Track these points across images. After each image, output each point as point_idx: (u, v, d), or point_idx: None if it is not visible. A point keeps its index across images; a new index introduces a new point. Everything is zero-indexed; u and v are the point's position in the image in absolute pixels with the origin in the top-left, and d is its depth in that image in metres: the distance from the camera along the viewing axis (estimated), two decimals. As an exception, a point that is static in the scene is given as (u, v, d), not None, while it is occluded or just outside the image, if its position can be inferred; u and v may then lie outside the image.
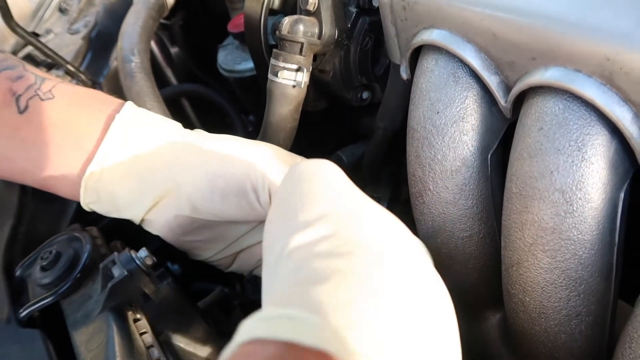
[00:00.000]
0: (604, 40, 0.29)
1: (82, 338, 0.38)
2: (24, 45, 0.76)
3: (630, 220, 0.34)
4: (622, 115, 0.29)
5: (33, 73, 0.46)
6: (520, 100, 0.35)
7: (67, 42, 0.71)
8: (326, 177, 0.32)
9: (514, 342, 0.40)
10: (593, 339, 0.34)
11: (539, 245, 0.32)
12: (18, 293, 0.43)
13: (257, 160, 0.42)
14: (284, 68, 0.45)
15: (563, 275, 0.32)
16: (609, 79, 0.29)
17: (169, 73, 0.82)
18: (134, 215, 0.44)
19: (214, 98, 0.78)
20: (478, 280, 0.42)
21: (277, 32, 0.46)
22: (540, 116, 0.33)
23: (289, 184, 0.32)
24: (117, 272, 0.39)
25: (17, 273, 0.44)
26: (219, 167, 0.42)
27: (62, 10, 0.78)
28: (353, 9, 0.48)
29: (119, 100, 0.47)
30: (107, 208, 0.44)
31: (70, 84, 0.47)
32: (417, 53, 0.42)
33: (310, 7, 0.46)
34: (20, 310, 0.40)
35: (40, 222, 0.52)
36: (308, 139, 0.56)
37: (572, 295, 0.33)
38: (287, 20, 0.45)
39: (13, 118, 0.43)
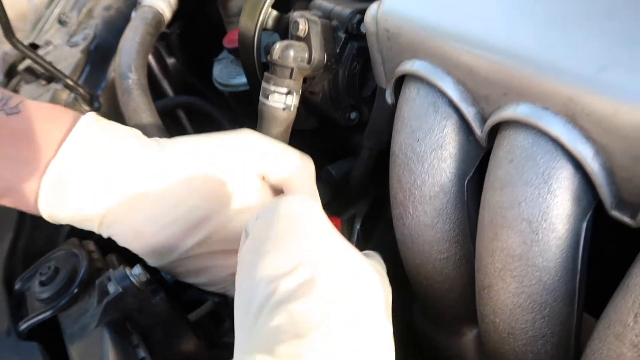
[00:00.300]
0: (568, 83, 0.31)
1: (79, 351, 0.40)
2: (23, 58, 0.78)
3: (595, 241, 0.36)
4: (584, 152, 0.31)
5: (1, 91, 0.46)
6: (494, 130, 0.37)
7: (66, 55, 0.73)
8: (304, 220, 0.33)
9: (487, 357, 0.42)
10: (558, 357, 0.37)
11: (508, 270, 0.35)
12: (17, 306, 0.45)
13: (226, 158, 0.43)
14: (275, 91, 0.47)
15: (529, 299, 0.34)
16: (573, 118, 0.31)
17: (165, 85, 0.84)
18: (91, 222, 0.44)
19: (209, 110, 0.80)
20: (455, 299, 0.44)
21: (268, 56, 0.48)
22: (511, 149, 0.35)
23: (265, 223, 0.34)
24: (112, 288, 0.41)
25: (17, 287, 0.46)
26: (175, 173, 0.43)
27: (61, 22, 0.79)
28: (342, 35, 0.50)
29: (82, 114, 0.47)
30: (66, 215, 0.43)
31: (36, 101, 0.47)
32: (401, 80, 0.44)
33: (301, 33, 0.48)
34: (20, 324, 0.42)
35: (38, 235, 0.54)
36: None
37: (538, 318, 0.35)
38: (278, 46, 0.47)
39: None
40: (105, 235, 0.44)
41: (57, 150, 0.43)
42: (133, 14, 0.74)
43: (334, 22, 0.50)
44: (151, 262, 0.45)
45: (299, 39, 0.48)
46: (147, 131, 0.56)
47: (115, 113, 0.73)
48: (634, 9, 0.31)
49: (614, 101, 0.29)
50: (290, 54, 0.47)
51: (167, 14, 0.72)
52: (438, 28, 0.39)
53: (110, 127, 0.46)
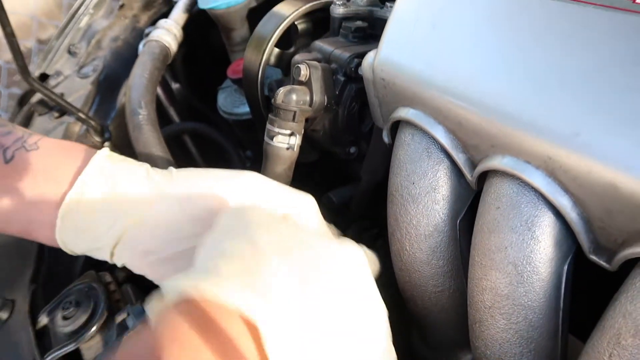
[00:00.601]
0: (548, 142, 0.34)
1: (100, 382, 0.43)
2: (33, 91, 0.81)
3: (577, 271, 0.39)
4: (563, 203, 0.35)
5: (21, 130, 0.50)
6: (483, 175, 0.40)
7: (77, 86, 0.76)
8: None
9: (481, 383, 0.45)
10: (544, 387, 0.40)
11: (497, 308, 0.38)
12: (41, 336, 0.49)
13: (231, 194, 0.46)
14: (279, 133, 0.50)
15: (516, 335, 0.38)
16: (552, 173, 0.34)
17: (171, 111, 0.87)
18: (104, 251, 0.46)
19: (214, 136, 0.83)
20: (451, 327, 0.47)
21: (273, 100, 0.51)
22: (497, 196, 0.38)
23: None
24: (130, 323, 0.44)
25: (40, 319, 0.49)
26: (180, 203, 0.45)
27: (71, 53, 0.83)
28: (341, 77, 0.53)
29: (96, 148, 0.50)
30: (80, 245, 0.46)
31: (53, 139, 0.50)
32: (397, 123, 0.47)
33: (303, 78, 0.51)
34: (46, 355, 0.45)
35: (58, 264, 0.58)
36: (302, 184, 0.62)
37: (525, 352, 0.38)
38: (281, 91, 0.50)
39: (0, 167, 0.46)
40: (118, 264, 0.46)
41: (71, 184, 0.46)
42: (141, 47, 0.77)
43: (333, 65, 0.53)
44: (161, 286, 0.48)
45: (300, 83, 0.51)
46: (157, 164, 0.59)
47: (124, 140, 0.76)
48: (610, 73, 0.34)
49: (587, 161, 0.32)
50: (293, 98, 0.50)
51: (174, 47, 0.75)
52: (430, 80, 0.42)
53: (121, 163, 0.48)
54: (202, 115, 0.93)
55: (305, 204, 0.48)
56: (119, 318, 0.45)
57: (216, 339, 0.30)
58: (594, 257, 0.35)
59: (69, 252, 0.48)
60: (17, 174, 0.46)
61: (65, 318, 0.47)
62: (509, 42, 0.39)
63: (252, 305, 0.30)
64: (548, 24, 0.37)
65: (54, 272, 0.56)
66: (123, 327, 0.44)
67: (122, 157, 0.49)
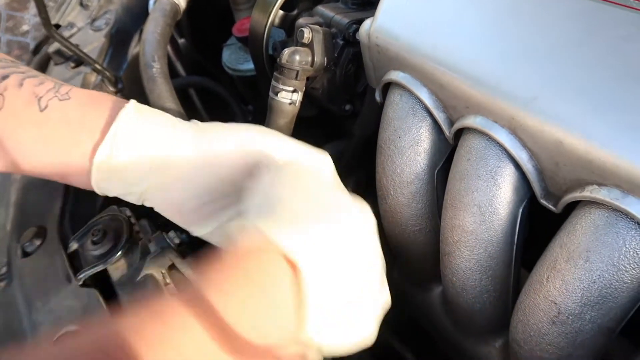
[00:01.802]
0: (512, 104, 0.41)
1: (127, 295, 0.51)
2: (48, 39, 0.86)
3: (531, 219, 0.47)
4: (522, 156, 0.42)
5: (52, 80, 0.52)
6: (459, 132, 0.48)
7: (90, 39, 0.81)
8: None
9: (448, 308, 0.54)
10: (498, 308, 0.48)
11: (463, 242, 0.46)
12: (73, 259, 0.56)
13: (253, 144, 0.49)
14: (283, 89, 0.57)
15: (477, 264, 0.46)
16: (514, 131, 0.42)
17: (178, 65, 0.92)
18: (135, 197, 0.50)
19: (218, 90, 0.88)
20: (425, 262, 0.55)
21: (277, 60, 0.57)
22: (469, 149, 0.45)
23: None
24: (152, 248, 0.52)
25: (71, 244, 0.56)
26: (210, 159, 0.48)
27: (83, 6, 0.87)
28: (340, 41, 0.59)
29: (126, 100, 0.52)
30: (113, 191, 0.49)
31: (82, 89, 0.52)
32: (387, 85, 0.54)
33: (305, 40, 0.57)
34: (78, 274, 0.53)
35: (80, 200, 0.64)
36: (302, 137, 0.69)
37: (484, 278, 0.46)
38: (286, 52, 0.56)
39: (35, 116, 0.48)
40: (148, 205, 0.51)
41: (103, 133, 0.48)
42: (151, 4, 0.82)
43: (333, 30, 0.59)
44: (191, 231, 0.52)
45: (303, 45, 0.57)
46: (169, 113, 0.66)
47: (134, 91, 0.82)
48: (565, 49, 0.40)
49: (541, 121, 0.39)
50: (296, 59, 0.56)
51: (183, 4, 0.80)
52: (418, 48, 0.48)
53: (150, 114, 0.51)
54: (205, 70, 0.99)
55: (325, 161, 0.52)
56: (143, 243, 0.52)
57: (263, 274, 0.38)
58: (544, 202, 0.43)
59: (103, 195, 0.51)
60: (51, 123, 0.49)
61: (94, 243, 0.54)
62: (487, 18, 0.46)
63: (298, 251, 0.37)
64: (521, 3, 0.44)
65: (78, 206, 0.63)
66: (146, 251, 0.52)
67: (150, 109, 0.52)
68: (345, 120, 0.71)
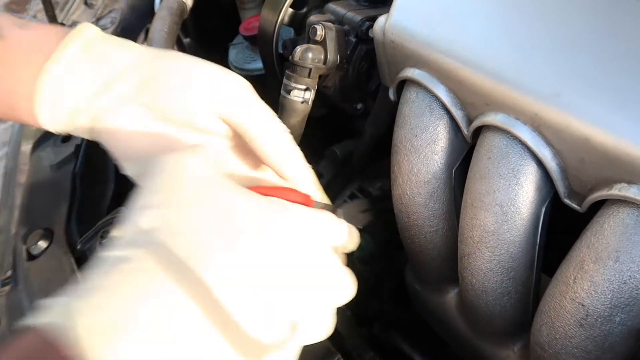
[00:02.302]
0: (535, 100, 0.40)
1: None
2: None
3: (552, 223, 0.46)
4: (545, 154, 0.41)
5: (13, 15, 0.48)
6: (477, 130, 0.46)
7: (96, 38, 0.80)
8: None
9: (465, 310, 0.53)
10: (519, 310, 0.47)
11: (483, 243, 0.44)
12: (80, 261, 0.55)
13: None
14: (295, 88, 0.56)
15: (499, 265, 0.44)
16: (537, 128, 0.40)
17: (183, 65, 0.91)
18: (83, 130, 0.44)
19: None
20: (441, 263, 0.54)
21: (290, 57, 0.56)
22: (489, 148, 0.44)
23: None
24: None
25: (79, 246, 0.55)
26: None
27: (87, 4, 0.86)
28: (352, 39, 0.58)
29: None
30: (63, 115, 0.43)
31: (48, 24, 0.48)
32: (402, 82, 0.53)
33: (318, 38, 0.56)
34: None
35: (86, 202, 0.63)
36: (311, 137, 0.68)
37: (505, 279, 0.45)
38: (299, 49, 0.55)
39: None
40: (96, 138, 0.45)
41: (54, 53, 0.42)
42: (157, 3, 0.81)
43: (346, 27, 0.58)
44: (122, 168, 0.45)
45: (315, 42, 0.56)
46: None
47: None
48: (588, 43, 0.39)
49: (566, 118, 0.38)
50: (309, 56, 0.55)
51: (189, 2, 0.79)
52: (435, 44, 0.47)
53: (109, 36, 0.46)
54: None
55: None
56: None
57: None
58: (567, 201, 0.42)
59: (48, 129, 0.45)
60: (8, 50, 0.44)
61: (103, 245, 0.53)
62: (507, 11, 0.44)
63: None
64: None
65: (85, 208, 0.62)
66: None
67: (106, 34, 0.46)
68: (355, 120, 0.70)
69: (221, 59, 0.89)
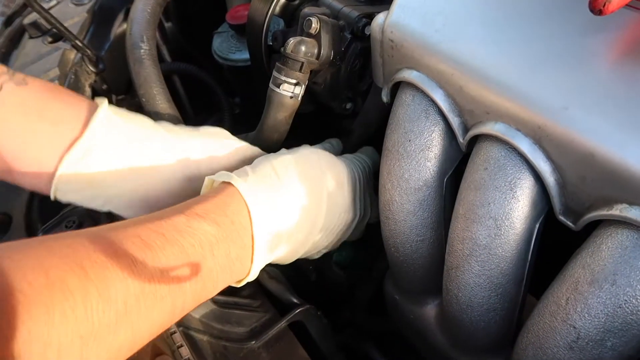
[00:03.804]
0: (540, 112, 0.38)
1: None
2: (25, 7, 0.79)
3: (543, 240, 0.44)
4: (544, 168, 0.39)
5: (5, 66, 0.47)
6: (474, 139, 0.45)
7: (71, 13, 0.75)
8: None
9: (446, 324, 0.51)
10: (503, 327, 0.46)
11: (474, 256, 0.43)
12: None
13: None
14: (285, 81, 0.53)
15: (488, 280, 0.43)
16: (539, 141, 0.39)
17: (164, 50, 0.87)
18: (102, 200, 0.48)
19: (205, 79, 0.84)
20: (424, 274, 0.52)
21: (282, 49, 0.53)
22: (486, 158, 0.42)
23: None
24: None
25: (40, 235, 0.51)
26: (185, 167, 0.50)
27: (65, -22, 0.81)
28: (348, 35, 0.55)
29: (83, 96, 0.49)
30: (80, 195, 0.46)
31: (38, 78, 0.48)
32: (397, 84, 0.51)
33: (312, 31, 0.53)
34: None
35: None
36: (296, 135, 0.65)
37: (493, 295, 0.43)
38: (292, 41, 0.52)
39: None
40: (110, 209, 0.49)
41: (82, 131, 0.45)
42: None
43: (341, 22, 0.56)
44: None
45: (309, 35, 0.54)
46: (156, 100, 0.61)
47: (114, 73, 0.77)
48: (599, 60, 0.38)
49: (571, 132, 0.36)
50: (302, 49, 0.52)
51: (175, -16, 0.75)
52: (436, 46, 0.45)
53: (129, 117, 0.49)
54: (191, 57, 0.94)
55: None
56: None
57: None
58: (562, 218, 0.40)
59: (57, 200, 0.47)
60: (6, 107, 0.44)
61: (68, 234, 0.49)
62: (517, 21, 0.43)
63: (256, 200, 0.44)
64: (551, 8, 0.41)
65: (47, 201, 0.58)
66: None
67: (124, 113, 0.49)
68: (343, 119, 0.68)
69: (203, 47, 0.85)
